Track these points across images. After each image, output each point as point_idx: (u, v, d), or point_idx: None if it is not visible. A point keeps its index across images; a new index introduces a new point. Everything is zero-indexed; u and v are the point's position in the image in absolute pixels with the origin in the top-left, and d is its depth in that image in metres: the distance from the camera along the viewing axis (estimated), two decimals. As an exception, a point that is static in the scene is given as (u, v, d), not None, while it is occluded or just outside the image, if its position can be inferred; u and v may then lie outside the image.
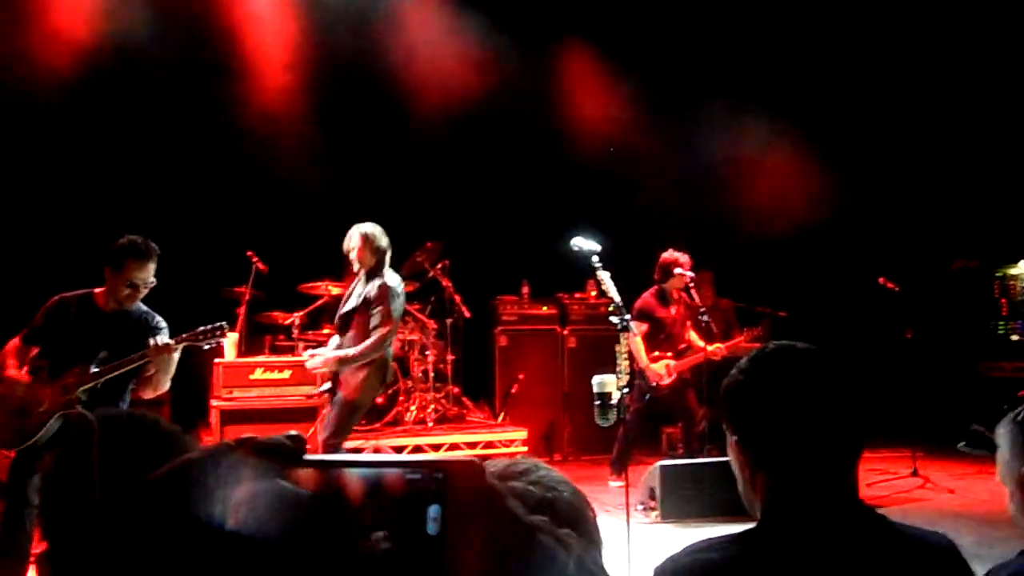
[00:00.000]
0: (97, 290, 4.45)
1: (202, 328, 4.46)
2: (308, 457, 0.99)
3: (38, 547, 4.04)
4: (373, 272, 6.04)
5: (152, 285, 4.41)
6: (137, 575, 0.98)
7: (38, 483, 3.95)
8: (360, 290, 6.07)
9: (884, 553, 1.48)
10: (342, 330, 6.12)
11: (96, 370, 4.22)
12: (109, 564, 0.99)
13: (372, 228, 6.06)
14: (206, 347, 4.53)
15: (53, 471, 1.19)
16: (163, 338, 4.29)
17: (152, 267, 4.39)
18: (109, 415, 1.29)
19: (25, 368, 4.33)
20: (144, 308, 4.50)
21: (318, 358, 6.03)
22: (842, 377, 1.57)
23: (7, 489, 4.14)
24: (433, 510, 0.89)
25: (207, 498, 0.94)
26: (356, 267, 6.12)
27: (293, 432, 0.99)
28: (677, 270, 7.46)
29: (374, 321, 5.90)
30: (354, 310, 6.03)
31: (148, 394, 4.43)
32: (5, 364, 4.36)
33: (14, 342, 4.41)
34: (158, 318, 4.50)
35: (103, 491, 1.12)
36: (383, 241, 6.06)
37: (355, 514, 0.92)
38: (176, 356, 4.34)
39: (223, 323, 4.51)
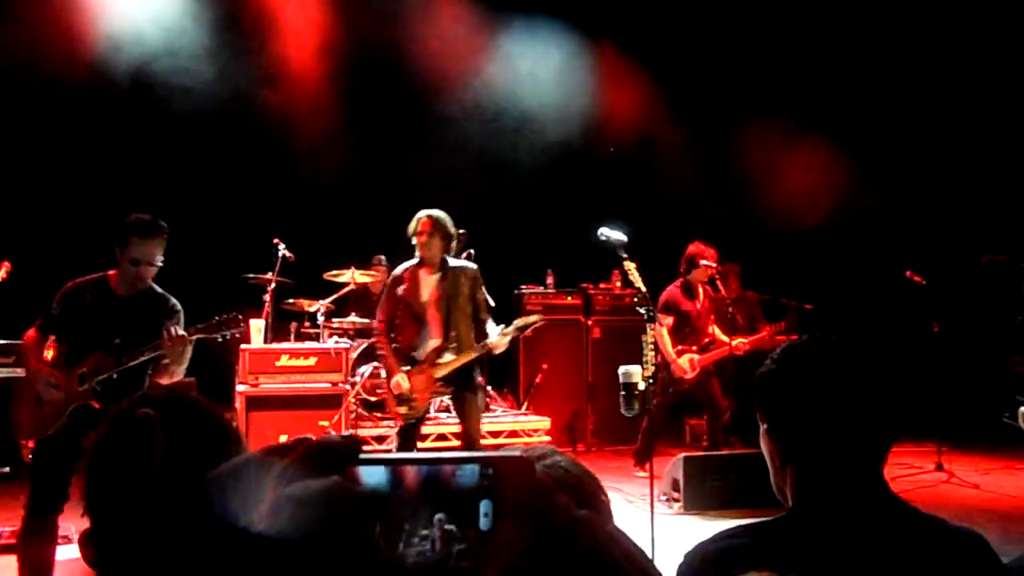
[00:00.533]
0: (111, 272, 4.34)
1: (216, 318, 4.34)
2: (362, 456, 1.00)
3: (78, 527, 4.09)
4: (443, 260, 5.84)
5: (159, 264, 4.27)
6: (181, 560, 1.00)
7: (68, 467, 3.92)
8: (436, 279, 5.81)
9: (914, 543, 1.49)
10: (449, 323, 5.75)
11: (112, 360, 4.16)
12: (155, 547, 1.01)
13: (441, 212, 5.84)
14: (220, 339, 4.41)
15: (98, 453, 1.22)
16: (178, 328, 4.20)
17: (158, 244, 4.25)
18: (153, 396, 1.32)
19: (51, 354, 4.31)
20: (159, 291, 4.38)
21: (499, 338, 5.73)
22: (875, 370, 1.57)
23: (31, 474, 4.15)
24: (484, 505, 0.91)
25: (260, 498, 0.96)
26: (419, 253, 5.82)
27: (348, 432, 1.00)
28: (703, 262, 7.42)
29: (485, 311, 5.89)
30: (447, 300, 5.76)
31: (164, 381, 4.33)
32: (29, 357, 4.31)
33: (31, 334, 4.34)
34: (172, 300, 4.38)
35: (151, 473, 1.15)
36: (452, 228, 5.87)
37: (410, 510, 0.94)
38: (190, 347, 4.25)
39: (238, 314, 4.40)
